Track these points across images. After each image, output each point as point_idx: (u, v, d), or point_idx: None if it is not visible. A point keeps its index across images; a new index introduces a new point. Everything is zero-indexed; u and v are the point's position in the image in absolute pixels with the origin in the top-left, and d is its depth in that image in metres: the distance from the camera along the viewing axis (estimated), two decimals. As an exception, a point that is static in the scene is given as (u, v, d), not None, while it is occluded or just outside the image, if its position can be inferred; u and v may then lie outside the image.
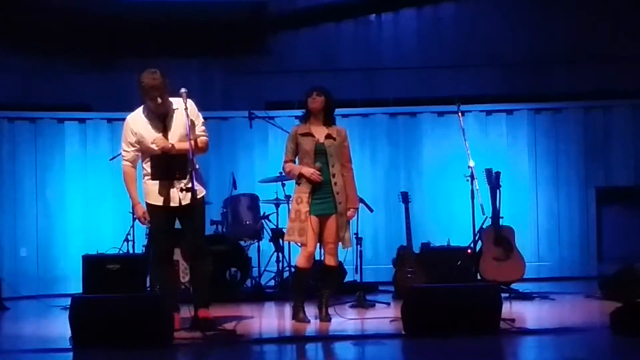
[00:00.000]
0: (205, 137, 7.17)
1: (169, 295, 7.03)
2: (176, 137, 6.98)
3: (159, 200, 7.03)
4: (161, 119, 7.00)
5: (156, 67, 6.98)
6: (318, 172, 7.45)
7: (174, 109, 7.04)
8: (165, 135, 6.98)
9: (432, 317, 6.67)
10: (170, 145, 6.94)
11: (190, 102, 7.05)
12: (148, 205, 7.11)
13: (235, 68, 12.12)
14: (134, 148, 7.06)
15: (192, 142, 6.86)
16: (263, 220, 9.83)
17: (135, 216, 7.18)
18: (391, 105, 12.21)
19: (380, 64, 12.28)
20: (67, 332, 6.47)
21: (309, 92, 7.62)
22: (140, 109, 7.11)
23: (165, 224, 7.08)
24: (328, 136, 7.57)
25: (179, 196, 6.95)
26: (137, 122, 7.05)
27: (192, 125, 7.03)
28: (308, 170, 7.47)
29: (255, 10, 11.98)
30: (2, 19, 11.55)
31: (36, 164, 11.82)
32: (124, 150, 7.12)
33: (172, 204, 7.00)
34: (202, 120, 7.20)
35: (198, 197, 6.96)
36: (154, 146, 6.95)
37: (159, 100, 6.91)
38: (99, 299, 7.00)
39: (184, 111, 6.93)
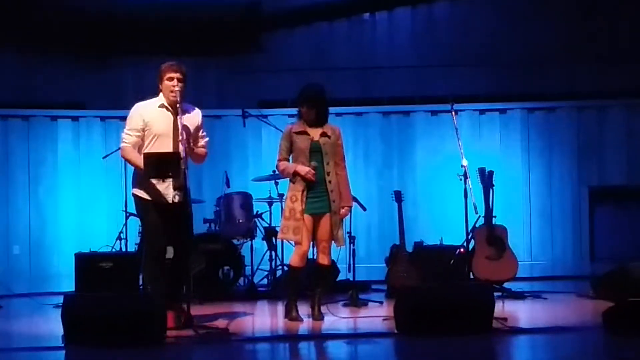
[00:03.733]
0: (205, 150, 7.28)
1: (161, 294, 7.04)
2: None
3: (154, 196, 6.99)
4: (181, 114, 6.97)
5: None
6: (313, 171, 7.44)
7: (184, 110, 7.08)
8: (176, 133, 6.98)
9: (424, 316, 6.67)
10: (192, 149, 7.06)
11: (197, 109, 7.26)
12: (143, 200, 7.07)
13: (229, 66, 12.12)
14: (138, 134, 7.04)
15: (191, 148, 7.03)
16: (256, 219, 9.82)
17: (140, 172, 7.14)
18: (385, 104, 12.22)
19: (374, 63, 12.29)
20: (60, 330, 6.46)
21: (300, 102, 7.59)
22: (151, 100, 7.13)
23: (160, 221, 7.04)
24: (323, 134, 7.55)
25: (172, 194, 6.96)
26: (148, 110, 7.06)
27: (197, 130, 7.18)
28: (303, 169, 7.45)
29: (250, 9, 11.98)
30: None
31: (29, 162, 11.81)
32: (127, 134, 7.06)
33: (165, 201, 6.97)
34: (205, 134, 7.34)
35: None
36: (166, 139, 6.96)
37: (176, 83, 6.95)
38: (91, 297, 7.00)
39: (193, 116, 7.12)
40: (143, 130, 7.03)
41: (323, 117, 7.61)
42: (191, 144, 7.07)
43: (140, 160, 6.96)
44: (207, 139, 7.34)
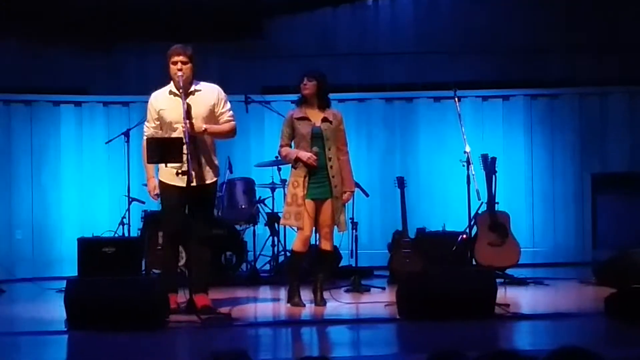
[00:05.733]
0: (230, 124, 7.15)
1: (170, 277, 7.06)
2: (198, 118, 6.96)
3: (170, 179, 6.94)
4: (184, 98, 6.88)
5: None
6: (315, 157, 7.44)
7: (198, 90, 7.04)
8: (189, 116, 6.88)
9: (426, 302, 6.68)
10: (203, 129, 6.94)
11: (214, 87, 7.13)
12: (160, 183, 7.07)
13: (232, 52, 12.09)
14: (154, 125, 7.07)
15: (205, 127, 6.94)
16: (259, 205, 9.84)
17: (147, 189, 7.21)
18: (387, 90, 12.20)
19: (376, 49, 12.27)
20: (63, 314, 6.48)
21: (300, 78, 7.62)
22: (164, 88, 7.11)
23: (176, 203, 7.00)
24: (324, 119, 7.56)
25: (182, 178, 6.85)
26: (159, 99, 7.07)
27: (213, 108, 7.05)
28: (304, 155, 7.45)
29: (252, -6, 11.95)
30: (-2, 1, 11.52)
31: (32, 147, 11.81)
32: (145, 126, 7.15)
33: (180, 184, 6.81)
34: (229, 106, 7.19)
35: (209, 182, 7.04)
36: (179, 126, 6.88)
37: (181, 67, 6.89)
38: (94, 281, 7.02)
39: (207, 95, 7.01)
40: (158, 119, 7.05)
41: (323, 94, 7.59)
42: (204, 127, 6.96)
43: (151, 167, 7.08)
44: (230, 112, 7.17)
